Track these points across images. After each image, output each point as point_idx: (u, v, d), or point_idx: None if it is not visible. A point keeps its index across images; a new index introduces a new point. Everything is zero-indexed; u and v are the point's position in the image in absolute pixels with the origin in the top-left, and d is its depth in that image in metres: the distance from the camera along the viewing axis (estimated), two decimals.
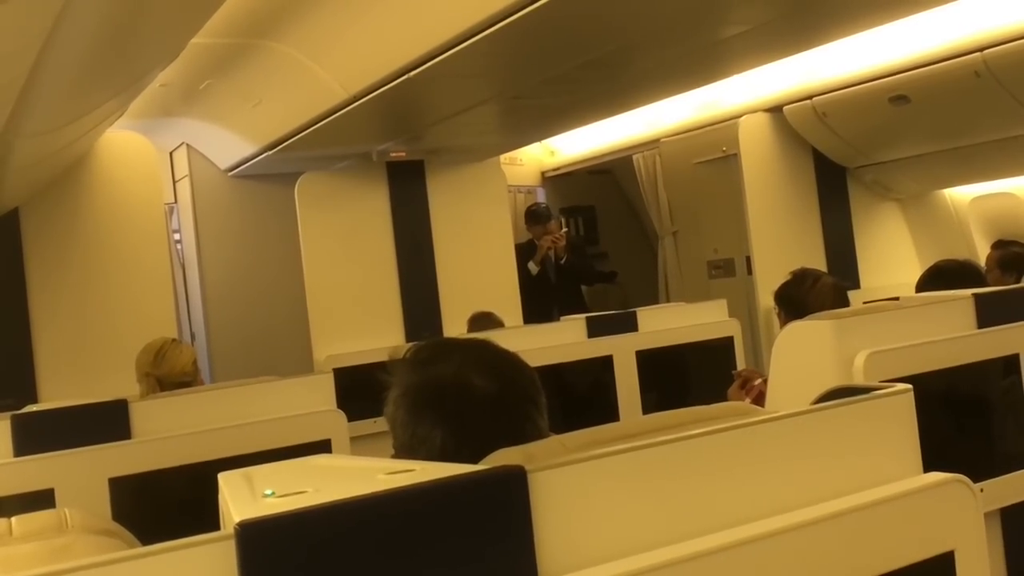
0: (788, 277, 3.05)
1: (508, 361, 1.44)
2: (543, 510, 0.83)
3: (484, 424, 1.35)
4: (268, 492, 0.81)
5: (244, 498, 0.81)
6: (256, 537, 0.72)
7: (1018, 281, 4.20)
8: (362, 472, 0.89)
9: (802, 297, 2.90)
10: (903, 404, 1.07)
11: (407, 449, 1.36)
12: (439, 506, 0.79)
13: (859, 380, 1.66)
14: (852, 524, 0.95)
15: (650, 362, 3.25)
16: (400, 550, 0.77)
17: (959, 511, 1.02)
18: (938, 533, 1.00)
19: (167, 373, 3.08)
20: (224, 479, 0.89)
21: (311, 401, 2.15)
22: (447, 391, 1.38)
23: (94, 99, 3.09)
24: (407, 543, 0.77)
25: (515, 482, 0.82)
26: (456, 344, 1.51)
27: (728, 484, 0.95)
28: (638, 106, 5.19)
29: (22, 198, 4.36)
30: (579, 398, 3.23)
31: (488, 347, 1.46)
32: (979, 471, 1.55)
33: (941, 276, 3.06)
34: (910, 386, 1.07)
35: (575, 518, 0.86)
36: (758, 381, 2.97)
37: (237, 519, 0.73)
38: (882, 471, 1.03)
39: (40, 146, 3.39)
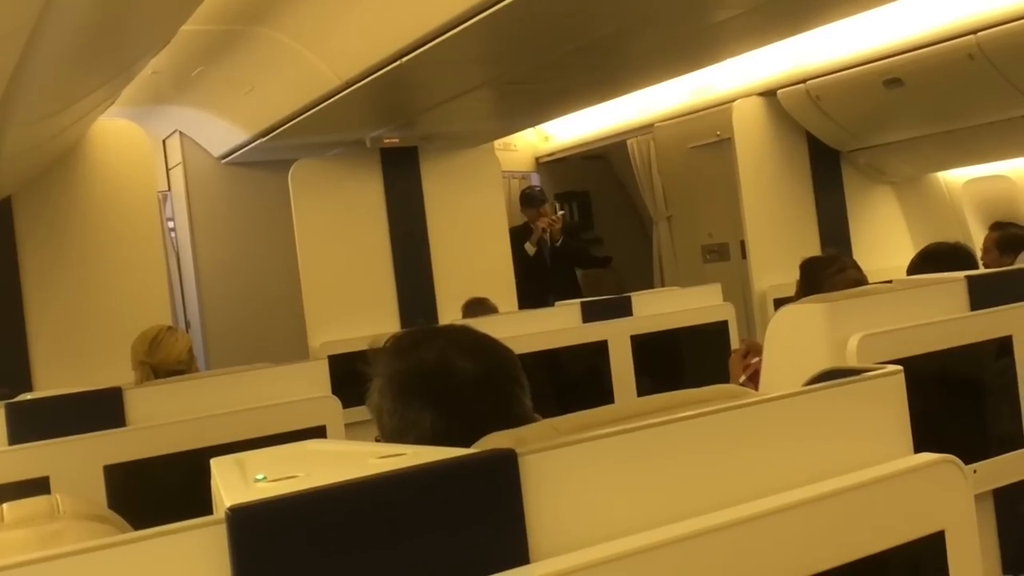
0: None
1: (489, 344, 1.46)
2: (534, 493, 0.84)
3: (472, 405, 1.37)
4: (259, 477, 0.81)
5: (235, 483, 0.81)
6: (247, 521, 0.72)
7: (1015, 262, 4.20)
8: (354, 456, 0.89)
9: (820, 279, 2.89)
10: (893, 386, 1.07)
11: (396, 435, 1.37)
12: (430, 490, 0.79)
13: (852, 363, 1.66)
14: (843, 504, 0.95)
15: (645, 347, 3.26)
16: (391, 533, 0.77)
17: (949, 491, 1.02)
18: (928, 513, 1.01)
19: (162, 361, 3.06)
20: (216, 464, 0.89)
21: (306, 388, 2.16)
22: (433, 375, 1.39)
23: (85, 86, 3.07)
24: (398, 527, 0.77)
25: (506, 465, 0.83)
26: (436, 330, 1.53)
27: (719, 466, 0.95)
28: (632, 91, 5.18)
29: (15, 186, 4.35)
30: (574, 383, 3.23)
31: (468, 331, 1.48)
32: (972, 453, 1.55)
33: (932, 259, 3.07)
34: (900, 368, 1.08)
35: (566, 501, 0.86)
36: (756, 360, 2.96)
37: (228, 504, 0.73)
38: (873, 452, 1.03)
39: (32, 134, 3.37)
